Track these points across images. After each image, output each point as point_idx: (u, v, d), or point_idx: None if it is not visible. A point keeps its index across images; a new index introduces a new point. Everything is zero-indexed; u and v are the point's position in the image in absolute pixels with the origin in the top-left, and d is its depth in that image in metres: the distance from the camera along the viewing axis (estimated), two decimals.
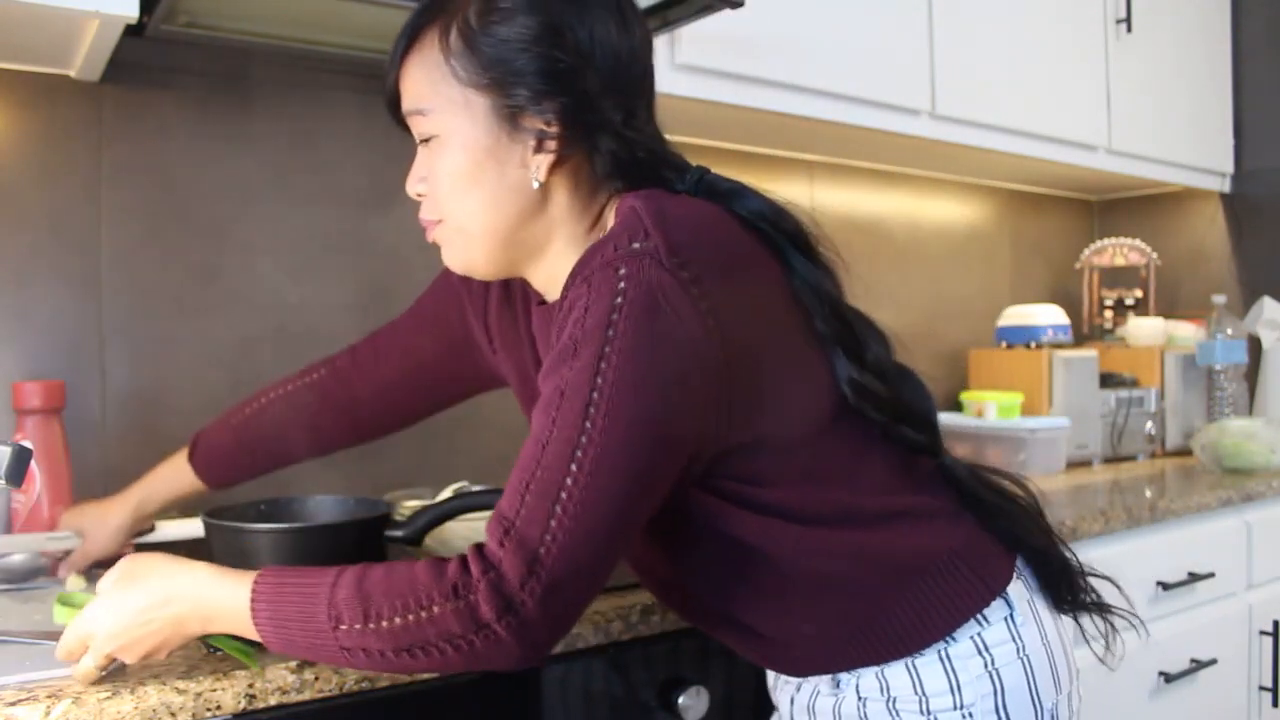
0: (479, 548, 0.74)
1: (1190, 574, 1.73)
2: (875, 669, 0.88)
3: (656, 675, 1.09)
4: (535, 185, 0.86)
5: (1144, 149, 2.37)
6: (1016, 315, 2.32)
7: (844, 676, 0.90)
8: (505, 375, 1.09)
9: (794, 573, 0.85)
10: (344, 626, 0.74)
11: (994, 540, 0.92)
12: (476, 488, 1.39)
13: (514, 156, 0.85)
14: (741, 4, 1.40)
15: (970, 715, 0.86)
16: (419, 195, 0.91)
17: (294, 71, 1.54)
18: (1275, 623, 1.88)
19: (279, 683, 0.87)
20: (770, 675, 1.03)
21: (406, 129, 0.91)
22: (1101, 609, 0.96)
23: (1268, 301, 2.47)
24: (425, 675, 0.94)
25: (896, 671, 0.87)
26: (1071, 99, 2.20)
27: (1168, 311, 2.62)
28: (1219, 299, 2.39)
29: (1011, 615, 0.89)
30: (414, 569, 0.75)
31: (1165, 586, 1.69)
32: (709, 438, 0.79)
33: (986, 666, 0.87)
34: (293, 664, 0.88)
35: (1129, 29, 2.28)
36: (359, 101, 1.61)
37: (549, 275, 0.92)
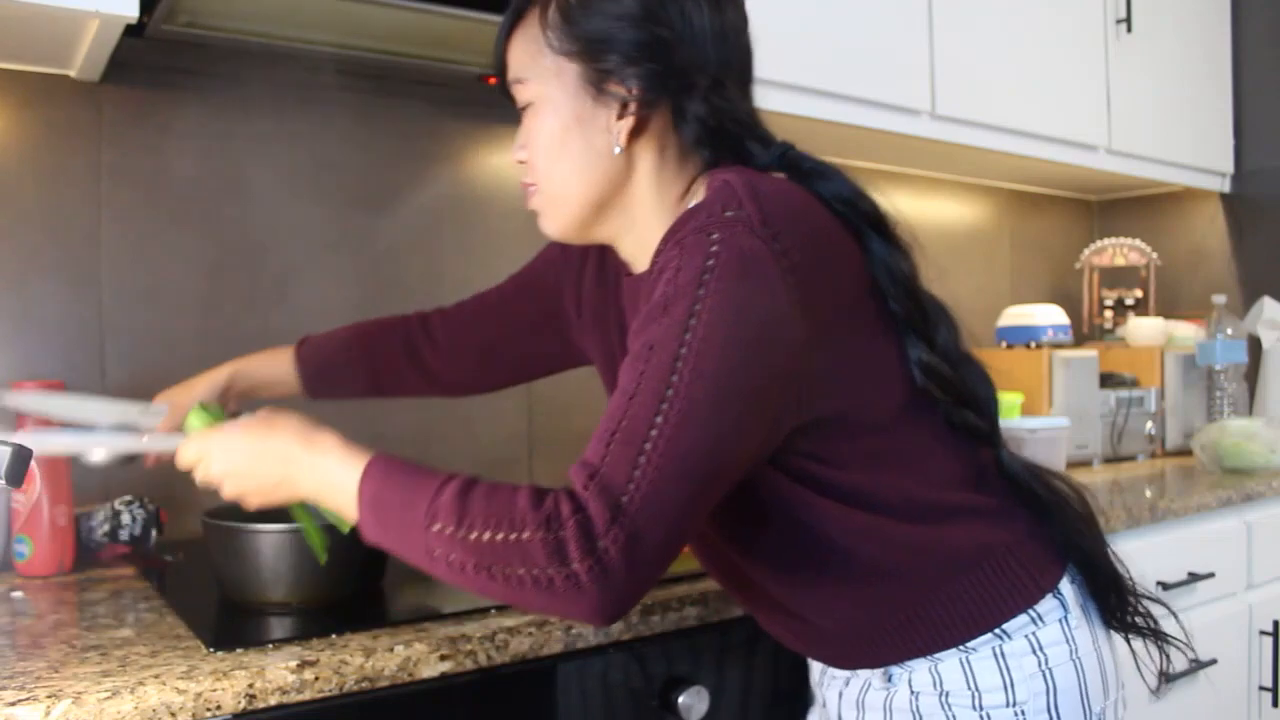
0: (569, 491, 0.74)
1: (1190, 574, 1.73)
2: (929, 663, 0.89)
3: (657, 675, 1.09)
4: (616, 150, 0.89)
5: (1144, 149, 2.37)
6: (1016, 315, 2.31)
7: (896, 670, 0.90)
8: (589, 351, 1.12)
9: (854, 560, 0.86)
10: (436, 527, 0.74)
11: (1046, 542, 0.92)
12: None
13: (599, 122, 0.89)
14: None
15: (1023, 713, 0.86)
16: (520, 161, 0.95)
17: (294, 71, 1.54)
18: (1275, 623, 1.88)
19: (279, 683, 0.87)
20: (815, 670, 1.04)
21: (511, 99, 0.95)
22: (1157, 635, 0.96)
23: (1268, 301, 2.47)
24: (428, 674, 0.94)
25: (950, 666, 0.88)
26: (1071, 99, 2.20)
27: (1168, 311, 2.61)
28: (1219, 299, 2.39)
29: (1066, 618, 0.90)
30: (517, 492, 0.75)
31: (1165, 586, 1.69)
32: (789, 408, 0.80)
33: (1040, 666, 0.87)
34: (293, 664, 0.88)
35: (1129, 29, 2.28)
36: (358, 101, 1.61)
37: (638, 243, 0.94)
